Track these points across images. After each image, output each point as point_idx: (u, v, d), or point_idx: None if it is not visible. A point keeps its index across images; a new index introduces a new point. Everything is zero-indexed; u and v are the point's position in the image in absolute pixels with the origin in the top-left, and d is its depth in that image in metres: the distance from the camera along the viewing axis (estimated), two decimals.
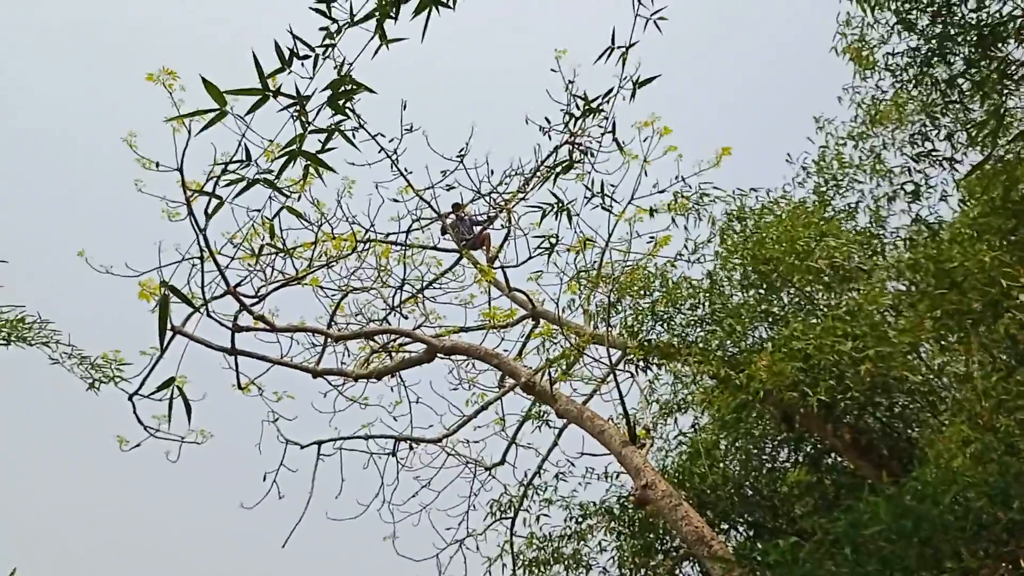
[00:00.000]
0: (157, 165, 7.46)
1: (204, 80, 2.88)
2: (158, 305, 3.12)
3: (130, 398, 7.00)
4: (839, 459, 8.47)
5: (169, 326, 7.25)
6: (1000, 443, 4.26)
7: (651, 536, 8.84)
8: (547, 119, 7.14)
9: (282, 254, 8.53)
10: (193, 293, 7.32)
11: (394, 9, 2.80)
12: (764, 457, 9.16)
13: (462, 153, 9.14)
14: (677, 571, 8.91)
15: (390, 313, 9.26)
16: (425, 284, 9.36)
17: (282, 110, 2.88)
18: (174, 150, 6.59)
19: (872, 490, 4.15)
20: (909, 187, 8.80)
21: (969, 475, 3.72)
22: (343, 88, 2.80)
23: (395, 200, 9.36)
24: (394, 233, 9.38)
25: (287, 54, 3.01)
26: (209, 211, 3.51)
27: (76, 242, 7.88)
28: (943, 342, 6.11)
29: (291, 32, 3.03)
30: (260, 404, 8.49)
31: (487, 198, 9.77)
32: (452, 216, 10.08)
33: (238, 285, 7.55)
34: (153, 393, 3.18)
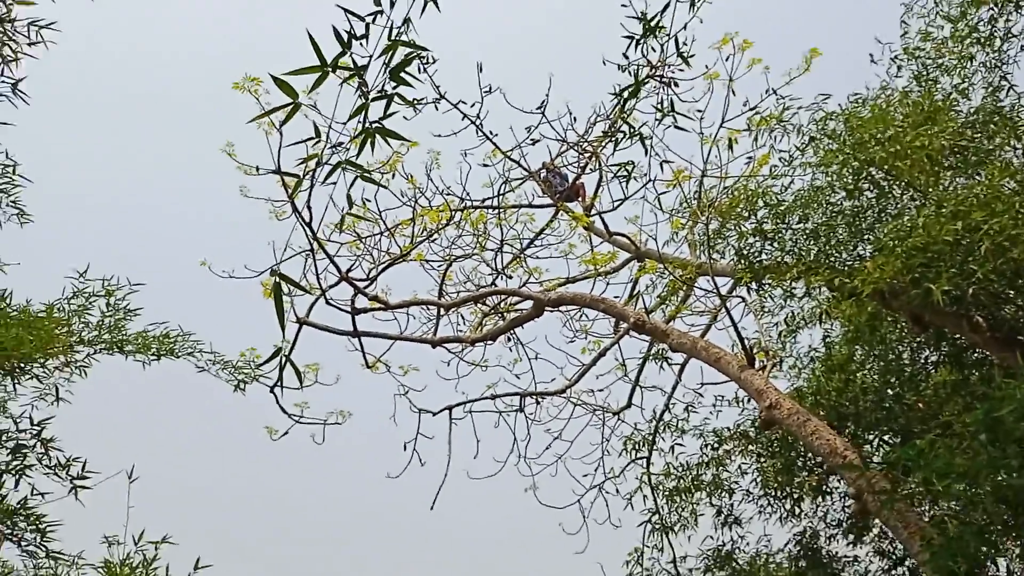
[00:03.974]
0: (257, 169, 7.88)
1: (273, 77, 3.04)
2: (272, 293, 3.33)
3: (271, 390, 7.49)
4: (985, 353, 8.05)
5: (295, 318, 7.72)
6: None
7: (792, 454, 8.72)
8: (625, 55, 7.01)
9: (386, 234, 8.84)
10: (310, 284, 7.73)
11: None
12: (903, 362, 8.82)
13: (543, 106, 9.12)
14: (824, 486, 8.77)
15: (497, 277, 9.44)
16: (526, 243, 9.46)
17: (343, 82, 3.01)
18: (269, 152, 6.94)
19: (1010, 374, 3.96)
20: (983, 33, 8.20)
21: None
22: (397, 54, 2.90)
23: (484, 165, 9.48)
24: (489, 197, 9.52)
25: (344, 36, 3.13)
26: (291, 194, 3.70)
27: (195, 254, 8.43)
28: None
29: (344, 9, 3.13)
30: (390, 380, 8.92)
31: (575, 147, 9.74)
32: (543, 172, 10.10)
33: (349, 270, 7.90)
34: (265, 363, 3.41)
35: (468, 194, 9.26)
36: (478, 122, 9.06)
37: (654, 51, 6.48)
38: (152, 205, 18.49)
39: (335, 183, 3.32)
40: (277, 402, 7.60)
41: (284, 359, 3.24)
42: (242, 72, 7.33)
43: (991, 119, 8.07)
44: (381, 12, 3.01)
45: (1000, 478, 3.39)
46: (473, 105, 8.86)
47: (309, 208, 6.50)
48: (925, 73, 8.96)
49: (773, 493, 9.01)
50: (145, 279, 8.16)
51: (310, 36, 2.90)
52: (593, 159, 9.42)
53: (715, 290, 7.41)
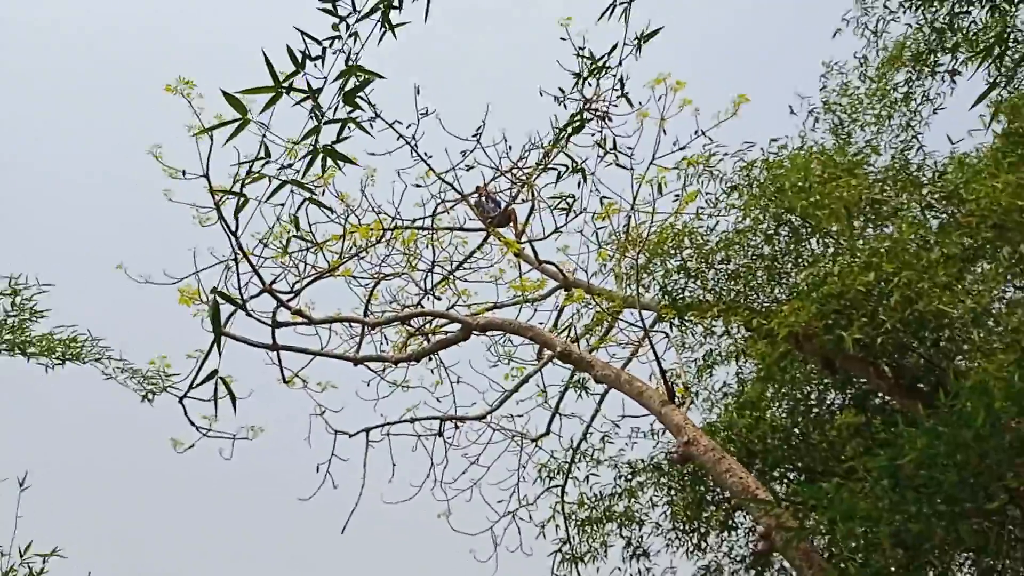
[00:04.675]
0: (184, 173, 7.66)
1: (225, 93, 3.00)
2: (210, 311, 3.26)
3: (180, 401, 7.23)
4: (887, 399, 8.47)
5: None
6: None
7: (701, 489, 8.93)
8: (561, 89, 7.17)
9: (313, 249, 8.71)
10: (230, 293, 7.53)
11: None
12: (811, 402, 9.18)
13: (478, 132, 9.21)
14: (730, 521, 9.01)
15: (424, 297, 9.41)
16: (455, 265, 9.47)
17: (296, 104, 2.99)
18: (199, 157, 6.76)
19: (912, 423, 4.19)
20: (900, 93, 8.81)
21: (1000, 396, 3.72)
22: (353, 79, 2.90)
23: (418, 185, 9.48)
24: (420, 218, 9.51)
25: (299, 56, 3.12)
26: (236, 213, 3.65)
27: (111, 257, 8.11)
28: (971, 274, 6.09)
29: (301, 32, 3.13)
30: (307, 398, 8.73)
31: (508, 174, 9.85)
32: (476, 196, 10.17)
33: (273, 282, 7.74)
34: (198, 385, 3.31)
35: (400, 213, 9.24)
36: (413, 143, 9.10)
37: (589, 85, 6.65)
38: (66, 202, 17.70)
39: (283, 204, 3.27)
40: (185, 414, 7.35)
41: (217, 378, 3.16)
42: (170, 72, 7.12)
43: (899, 176, 8.60)
44: (339, 37, 3.01)
45: (898, 522, 3.58)
46: (409, 126, 8.91)
47: (236, 218, 6.38)
48: (841, 127, 9.49)
49: (681, 526, 9.19)
50: (55, 279, 7.81)
51: (265, 56, 2.88)
52: (526, 188, 9.55)
53: (640, 324, 7.59)
